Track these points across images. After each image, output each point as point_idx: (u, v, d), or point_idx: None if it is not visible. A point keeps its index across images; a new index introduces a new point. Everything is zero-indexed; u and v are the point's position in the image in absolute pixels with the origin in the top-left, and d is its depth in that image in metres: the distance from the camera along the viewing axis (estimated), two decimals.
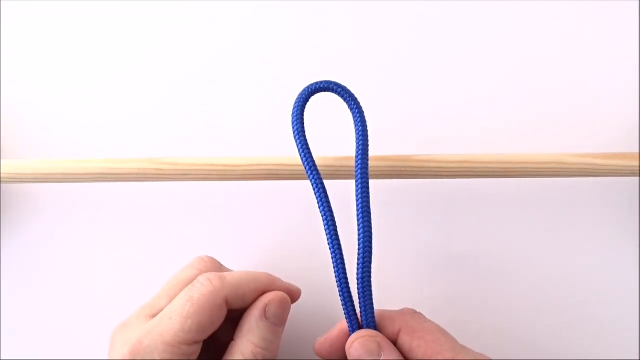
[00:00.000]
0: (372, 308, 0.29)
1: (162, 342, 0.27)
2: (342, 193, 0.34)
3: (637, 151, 0.33)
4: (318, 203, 0.30)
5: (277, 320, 0.30)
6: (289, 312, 0.31)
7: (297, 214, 0.37)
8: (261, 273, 0.31)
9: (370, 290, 0.29)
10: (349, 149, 0.32)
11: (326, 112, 0.35)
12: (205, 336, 0.28)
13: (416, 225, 0.37)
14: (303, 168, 0.32)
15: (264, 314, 0.30)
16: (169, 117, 0.38)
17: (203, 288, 0.28)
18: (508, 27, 0.37)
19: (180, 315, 0.27)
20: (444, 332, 0.29)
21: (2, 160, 0.34)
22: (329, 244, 0.30)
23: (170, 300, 0.29)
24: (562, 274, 0.36)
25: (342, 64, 0.38)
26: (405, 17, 0.38)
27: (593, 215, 0.36)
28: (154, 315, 0.29)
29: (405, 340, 0.29)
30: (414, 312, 0.30)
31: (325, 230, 0.30)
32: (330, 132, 0.36)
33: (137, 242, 0.37)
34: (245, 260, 0.37)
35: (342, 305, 0.29)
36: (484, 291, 0.36)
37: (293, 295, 0.32)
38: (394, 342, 0.29)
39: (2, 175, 0.33)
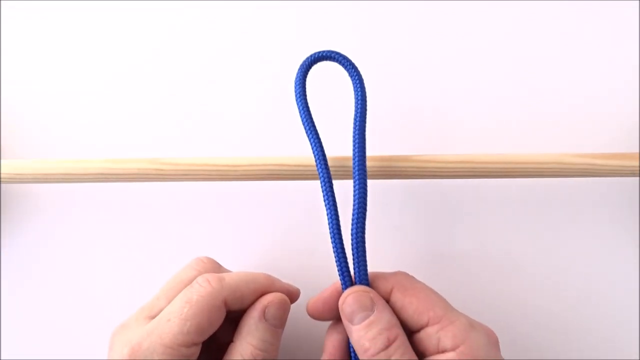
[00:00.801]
0: (366, 266, 0.29)
1: (161, 345, 0.27)
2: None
3: (637, 151, 0.33)
4: (314, 153, 0.31)
5: (277, 321, 0.30)
6: (288, 313, 0.31)
7: (297, 214, 0.37)
8: (260, 274, 0.31)
9: (364, 249, 0.29)
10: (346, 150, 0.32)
11: (328, 109, 0.35)
12: (204, 338, 0.28)
13: (416, 225, 0.37)
14: (303, 168, 0.32)
15: (263, 315, 0.29)
16: (169, 117, 0.38)
17: (202, 289, 0.28)
18: (508, 27, 0.37)
19: (179, 317, 0.27)
20: (435, 292, 0.29)
21: (2, 161, 0.34)
22: (324, 200, 0.30)
23: (169, 302, 0.29)
24: (562, 274, 0.36)
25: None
26: (406, 17, 0.38)
27: (593, 215, 0.36)
28: (153, 317, 0.29)
29: (397, 297, 0.29)
30: (407, 273, 0.31)
31: (322, 184, 0.30)
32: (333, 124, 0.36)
33: (137, 242, 0.37)
34: (245, 261, 0.37)
35: (336, 263, 0.29)
36: (484, 291, 0.36)
37: (292, 296, 0.32)
38: (386, 301, 0.29)
39: (2, 176, 0.33)
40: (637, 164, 0.32)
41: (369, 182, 0.34)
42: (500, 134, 0.37)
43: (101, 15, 0.38)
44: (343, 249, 0.30)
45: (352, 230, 0.29)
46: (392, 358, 0.27)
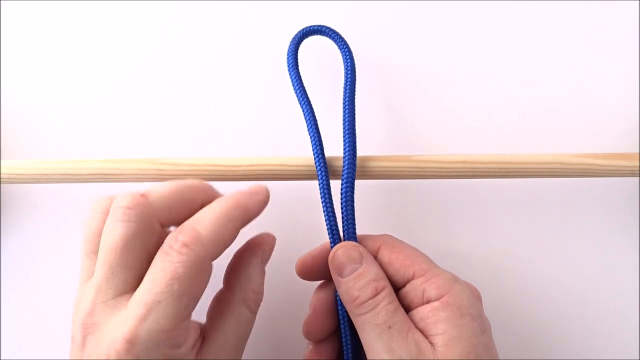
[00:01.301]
0: (354, 225, 0.30)
1: (162, 331, 0.25)
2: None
3: (637, 151, 0.33)
4: (308, 127, 0.32)
5: (267, 261, 0.31)
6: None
7: (297, 214, 0.37)
8: (222, 206, 0.28)
9: (353, 207, 0.30)
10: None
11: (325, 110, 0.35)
12: (198, 301, 0.27)
13: (416, 226, 0.37)
14: (303, 169, 0.32)
15: (261, 260, 0.30)
16: (169, 117, 0.38)
17: (184, 259, 0.25)
18: (508, 27, 0.37)
19: (172, 297, 0.25)
20: (420, 251, 0.30)
21: (1, 161, 0.34)
22: (315, 161, 0.31)
23: (134, 272, 0.26)
24: (562, 274, 0.36)
25: (341, 65, 0.38)
26: (406, 17, 0.38)
27: (593, 215, 0.36)
28: (125, 293, 0.26)
29: (384, 254, 0.30)
30: (392, 235, 0.31)
31: (313, 150, 0.31)
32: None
33: None
34: None
35: (326, 223, 0.30)
36: (484, 291, 0.36)
37: (263, 203, 0.30)
38: (374, 257, 0.30)
39: (1, 176, 0.33)
40: (637, 164, 0.32)
41: (369, 182, 0.34)
42: (501, 134, 0.37)
43: (101, 15, 0.38)
44: (333, 208, 0.31)
45: (341, 190, 0.31)
46: (380, 305, 0.28)
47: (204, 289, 0.27)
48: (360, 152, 0.33)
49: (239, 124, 0.38)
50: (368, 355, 0.28)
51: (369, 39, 0.38)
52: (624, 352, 0.36)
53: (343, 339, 0.31)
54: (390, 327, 0.27)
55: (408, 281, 0.29)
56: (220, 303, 0.29)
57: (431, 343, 0.27)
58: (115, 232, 0.26)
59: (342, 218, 0.31)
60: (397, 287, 0.30)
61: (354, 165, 0.31)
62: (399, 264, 0.29)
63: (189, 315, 0.26)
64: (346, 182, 0.31)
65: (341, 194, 0.31)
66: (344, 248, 0.30)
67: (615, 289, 0.36)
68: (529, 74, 0.37)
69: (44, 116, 0.38)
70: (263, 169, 0.33)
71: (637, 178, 0.35)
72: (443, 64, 0.37)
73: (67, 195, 0.37)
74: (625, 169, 0.32)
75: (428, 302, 0.28)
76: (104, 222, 0.27)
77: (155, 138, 0.38)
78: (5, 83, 0.38)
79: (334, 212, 0.31)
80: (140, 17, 0.38)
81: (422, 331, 0.27)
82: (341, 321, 0.30)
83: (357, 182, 0.33)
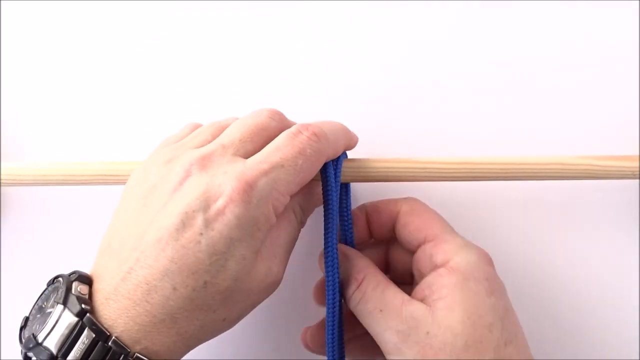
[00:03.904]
0: (352, 227, 0.32)
1: (275, 189, 0.26)
2: None
3: (638, 153, 0.33)
4: None
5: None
6: None
7: None
8: (339, 126, 0.31)
9: (349, 208, 0.32)
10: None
11: None
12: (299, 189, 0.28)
13: None
14: None
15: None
16: (170, 118, 0.38)
17: (312, 143, 0.27)
18: (508, 27, 0.37)
19: (294, 167, 0.27)
20: (439, 216, 0.31)
21: (2, 163, 0.34)
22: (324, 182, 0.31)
23: (256, 147, 0.28)
24: (562, 275, 0.36)
25: (342, 65, 0.38)
26: (406, 18, 0.37)
27: (593, 217, 0.36)
28: (242, 157, 0.27)
29: (403, 215, 0.31)
30: (418, 199, 0.32)
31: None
32: None
33: None
34: None
35: (325, 223, 0.30)
36: None
37: (356, 142, 0.33)
38: (394, 222, 0.31)
39: (2, 178, 0.33)
40: (638, 165, 0.32)
41: (368, 185, 0.34)
42: (500, 136, 0.37)
43: (102, 16, 0.38)
44: (334, 210, 0.30)
45: (339, 193, 0.31)
46: (366, 293, 0.29)
47: (309, 180, 0.28)
48: (359, 154, 0.33)
49: None
50: (376, 340, 0.28)
51: (369, 40, 0.38)
52: (624, 352, 0.36)
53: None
54: (381, 310, 0.28)
55: (420, 245, 0.30)
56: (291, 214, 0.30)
57: (432, 307, 0.27)
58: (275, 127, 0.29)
59: (342, 221, 0.31)
60: (411, 251, 0.31)
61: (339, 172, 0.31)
62: (413, 227, 0.30)
63: (293, 194, 0.27)
64: (343, 185, 0.31)
65: (340, 196, 0.31)
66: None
67: (616, 290, 0.36)
68: (529, 75, 0.37)
69: (44, 118, 0.38)
70: None
71: (638, 180, 0.35)
72: (443, 65, 0.37)
73: (68, 198, 0.37)
74: (626, 171, 0.32)
75: (434, 267, 0.28)
76: (272, 127, 0.29)
77: (156, 140, 0.38)
78: (5, 84, 0.38)
79: (334, 214, 0.30)
80: (140, 18, 0.38)
81: (426, 297, 0.28)
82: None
83: (356, 185, 0.33)
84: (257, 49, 0.38)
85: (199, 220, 0.25)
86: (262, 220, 0.26)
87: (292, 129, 0.28)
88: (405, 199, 0.32)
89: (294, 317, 0.37)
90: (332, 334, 0.30)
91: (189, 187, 0.25)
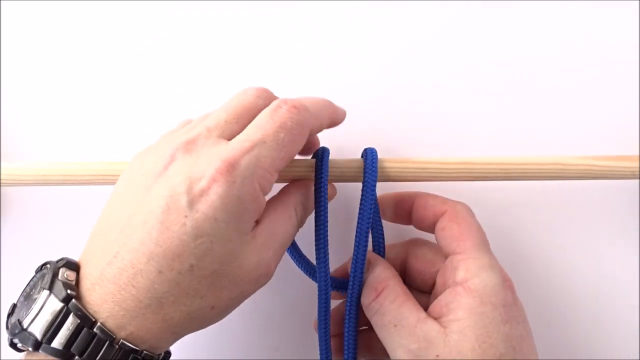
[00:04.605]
0: (382, 233, 0.33)
1: (260, 167, 0.26)
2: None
3: (637, 153, 0.33)
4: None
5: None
6: None
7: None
8: (322, 99, 0.31)
9: (379, 214, 0.33)
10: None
11: None
12: (286, 164, 0.28)
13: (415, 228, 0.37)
14: (304, 170, 0.32)
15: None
16: (170, 118, 0.38)
17: (293, 115, 0.27)
18: (508, 27, 0.37)
19: (276, 141, 0.26)
20: (480, 229, 0.31)
21: (2, 163, 0.34)
22: (316, 164, 0.31)
23: (242, 127, 0.27)
24: (562, 275, 0.36)
25: (341, 65, 0.38)
26: (406, 17, 0.37)
27: (593, 217, 0.36)
28: (227, 138, 0.27)
29: (444, 219, 0.31)
30: (467, 206, 0.32)
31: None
32: None
33: None
34: None
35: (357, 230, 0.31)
36: None
37: (343, 116, 0.33)
38: (436, 221, 0.31)
39: (2, 178, 0.33)
40: (637, 165, 0.32)
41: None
42: (500, 136, 0.37)
43: (101, 16, 0.38)
44: (368, 221, 0.31)
45: (363, 195, 0.31)
46: (384, 306, 0.29)
47: (296, 154, 0.28)
48: (358, 153, 0.33)
49: None
50: (389, 354, 0.29)
51: (369, 40, 0.38)
52: (624, 352, 0.36)
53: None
54: (395, 325, 0.28)
55: (450, 254, 0.30)
56: (276, 200, 0.30)
57: (446, 329, 0.27)
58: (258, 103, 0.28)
59: (372, 227, 0.32)
60: (445, 256, 0.31)
61: (376, 168, 0.31)
62: (449, 234, 0.30)
63: (279, 170, 0.27)
64: (369, 187, 0.31)
65: (363, 197, 0.31)
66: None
67: (616, 290, 0.36)
68: (529, 75, 0.37)
69: (44, 118, 0.38)
70: None
71: (637, 180, 0.35)
72: (443, 65, 0.37)
73: (68, 198, 0.38)
74: (625, 171, 0.32)
75: (454, 283, 0.28)
76: (259, 106, 0.28)
77: (155, 139, 0.38)
78: (6, 84, 0.38)
79: (368, 223, 0.31)
80: (141, 18, 0.38)
81: (443, 316, 0.28)
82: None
83: (354, 185, 0.33)
84: (258, 49, 0.38)
85: (183, 202, 0.24)
86: (247, 199, 0.25)
87: (272, 104, 0.28)
88: (455, 201, 0.32)
89: (294, 317, 0.37)
90: (349, 332, 0.31)
91: (174, 170, 0.25)
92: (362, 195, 0.31)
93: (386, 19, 0.37)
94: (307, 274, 0.33)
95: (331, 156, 0.32)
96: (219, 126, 0.27)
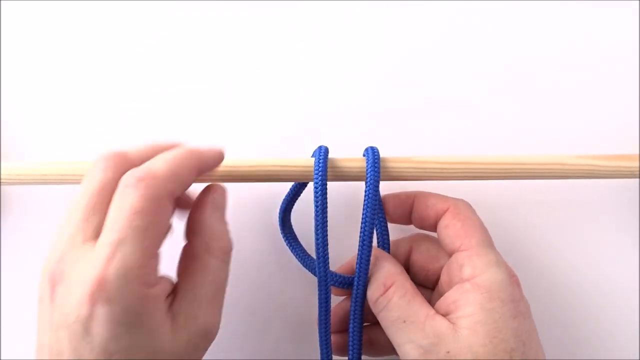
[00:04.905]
0: (387, 228, 0.33)
1: (131, 268, 0.24)
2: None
3: (638, 152, 0.33)
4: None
5: (223, 207, 0.30)
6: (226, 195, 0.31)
7: (298, 214, 0.37)
8: (178, 152, 0.28)
9: (382, 210, 0.33)
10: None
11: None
12: (164, 238, 0.26)
13: (413, 227, 0.36)
14: (303, 170, 0.32)
15: (215, 207, 0.29)
16: (170, 118, 0.38)
17: (143, 193, 0.25)
18: (508, 27, 0.37)
19: (135, 232, 0.24)
20: (482, 226, 0.31)
21: (2, 163, 0.34)
22: (315, 165, 0.31)
23: (102, 214, 0.26)
24: (562, 275, 0.36)
25: (341, 65, 0.38)
26: (405, 17, 0.37)
27: (593, 216, 0.36)
28: (93, 237, 0.25)
29: (447, 217, 0.31)
30: (468, 203, 0.32)
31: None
32: None
33: None
34: (245, 260, 0.37)
35: (362, 225, 0.31)
36: None
37: (218, 159, 0.30)
38: (438, 219, 0.31)
39: (2, 178, 0.33)
40: (637, 165, 0.32)
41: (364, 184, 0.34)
42: (500, 135, 0.37)
43: (101, 15, 0.38)
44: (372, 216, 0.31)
45: (366, 192, 0.31)
46: (392, 301, 0.29)
47: (168, 227, 0.27)
48: (358, 153, 0.33)
49: (240, 125, 0.38)
50: (396, 350, 0.29)
51: (369, 40, 0.38)
52: (624, 352, 0.36)
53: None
54: (405, 321, 0.28)
55: (455, 251, 0.30)
56: (185, 257, 0.28)
57: (456, 325, 0.27)
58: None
59: (376, 223, 0.32)
60: (446, 253, 0.31)
61: (378, 166, 0.31)
62: (453, 232, 0.30)
63: (156, 252, 0.26)
64: (371, 184, 0.31)
65: (366, 196, 0.31)
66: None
67: (615, 290, 0.36)
68: (529, 75, 0.37)
69: (44, 118, 0.38)
70: (263, 169, 0.32)
71: (638, 179, 0.35)
72: (443, 65, 0.37)
73: (68, 198, 0.37)
74: (625, 170, 0.32)
75: (461, 280, 0.28)
76: (109, 181, 0.27)
77: (155, 139, 0.38)
78: (5, 84, 0.38)
79: (371, 217, 0.31)
80: (140, 17, 0.38)
81: (451, 312, 0.28)
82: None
83: (353, 184, 0.33)
84: (258, 49, 0.38)
85: (80, 332, 0.24)
86: (136, 303, 0.24)
87: (119, 187, 0.26)
88: (456, 199, 0.32)
89: (294, 317, 0.37)
90: (354, 328, 0.31)
91: (59, 301, 0.25)
92: (365, 192, 0.31)
93: (390, 18, 0.37)
94: (310, 272, 0.34)
95: (331, 155, 0.32)
96: (80, 228, 0.26)
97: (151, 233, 0.25)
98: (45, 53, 0.38)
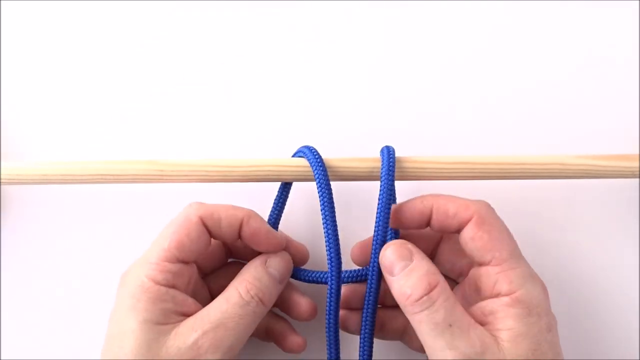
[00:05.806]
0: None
1: (148, 263, 0.29)
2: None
3: (637, 152, 0.33)
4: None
5: (277, 272, 0.31)
6: (290, 269, 0.32)
7: (297, 215, 0.37)
8: (244, 208, 0.31)
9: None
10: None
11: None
12: (187, 255, 0.29)
13: None
14: (303, 170, 0.32)
15: (265, 263, 0.31)
16: (170, 118, 0.38)
17: (181, 211, 0.30)
18: (508, 27, 0.37)
19: (161, 236, 0.30)
20: (508, 233, 0.30)
21: (2, 163, 0.34)
22: (312, 164, 0.31)
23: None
24: (562, 275, 0.36)
25: (341, 65, 0.38)
26: (405, 17, 0.38)
27: (593, 216, 0.36)
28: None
29: (471, 227, 0.29)
30: (489, 205, 0.31)
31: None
32: None
33: (137, 243, 0.37)
34: None
35: (376, 221, 0.31)
36: None
37: (301, 256, 0.34)
38: (461, 228, 0.30)
39: (2, 178, 0.33)
40: (637, 165, 0.32)
41: (368, 184, 0.34)
42: (500, 135, 0.37)
43: (101, 16, 0.38)
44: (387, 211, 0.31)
45: (380, 190, 0.31)
46: (437, 302, 0.27)
47: (193, 244, 0.30)
48: (358, 154, 0.33)
49: (240, 125, 0.38)
50: (429, 354, 0.28)
51: (369, 39, 0.38)
52: (624, 352, 0.36)
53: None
54: (450, 325, 0.27)
55: (484, 264, 0.29)
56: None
57: (496, 337, 0.27)
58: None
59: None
60: (473, 265, 0.30)
61: (393, 165, 0.31)
62: (481, 244, 0.29)
63: (176, 260, 0.29)
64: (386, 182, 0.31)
65: (380, 194, 0.31)
66: (393, 246, 0.30)
67: (615, 290, 0.36)
68: (529, 75, 0.37)
69: (44, 118, 0.38)
70: (263, 169, 0.33)
71: (637, 179, 0.35)
72: (443, 65, 0.37)
73: (68, 197, 0.37)
74: (625, 170, 0.32)
75: (497, 295, 0.28)
76: (195, 232, 0.30)
77: (156, 139, 0.38)
78: (5, 83, 0.38)
79: (386, 214, 0.31)
80: (140, 17, 0.38)
81: (488, 324, 0.28)
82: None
83: (353, 184, 0.33)
84: (258, 50, 0.38)
85: None
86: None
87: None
88: (477, 203, 0.30)
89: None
90: (367, 310, 0.31)
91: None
92: (380, 191, 0.31)
93: (390, 18, 0.38)
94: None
95: (343, 155, 0.32)
96: (151, 253, 0.31)
97: (173, 239, 0.30)
98: (45, 53, 0.38)
